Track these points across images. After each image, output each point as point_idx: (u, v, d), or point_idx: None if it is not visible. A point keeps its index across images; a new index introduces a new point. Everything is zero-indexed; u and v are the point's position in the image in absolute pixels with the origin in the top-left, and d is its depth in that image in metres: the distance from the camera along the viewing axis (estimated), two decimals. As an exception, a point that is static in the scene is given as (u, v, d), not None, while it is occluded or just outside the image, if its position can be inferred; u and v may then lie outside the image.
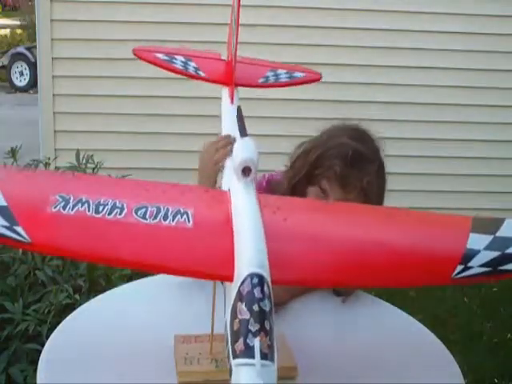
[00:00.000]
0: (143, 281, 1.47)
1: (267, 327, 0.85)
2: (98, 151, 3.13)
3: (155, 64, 1.58)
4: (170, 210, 1.04)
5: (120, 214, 1.01)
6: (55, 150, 4.02)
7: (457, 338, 3.14)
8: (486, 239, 1.14)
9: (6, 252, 2.52)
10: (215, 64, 1.59)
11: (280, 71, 1.67)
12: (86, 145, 3.41)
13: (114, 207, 1.02)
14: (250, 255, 0.93)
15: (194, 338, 1.23)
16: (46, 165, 3.10)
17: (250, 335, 0.84)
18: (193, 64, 1.57)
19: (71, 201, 1.02)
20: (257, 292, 0.89)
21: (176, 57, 1.58)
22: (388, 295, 1.77)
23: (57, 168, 3.12)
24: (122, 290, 1.51)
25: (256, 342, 0.83)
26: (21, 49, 10.44)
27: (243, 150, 1.09)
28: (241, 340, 0.84)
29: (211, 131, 1.52)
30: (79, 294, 2.24)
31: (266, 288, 0.89)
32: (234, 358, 0.84)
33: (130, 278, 2.25)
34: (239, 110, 1.23)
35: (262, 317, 0.86)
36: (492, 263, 1.10)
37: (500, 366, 3.02)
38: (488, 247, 1.14)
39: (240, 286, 0.90)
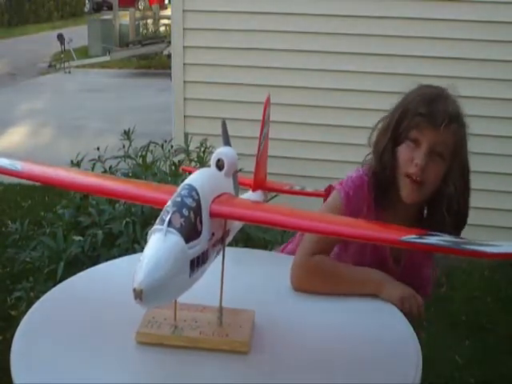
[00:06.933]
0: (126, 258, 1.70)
1: (185, 214, 1.08)
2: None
3: None
4: None
5: None
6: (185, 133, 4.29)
7: None
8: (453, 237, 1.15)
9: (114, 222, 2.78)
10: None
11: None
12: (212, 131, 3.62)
13: None
14: (191, 177, 1.20)
15: (171, 305, 1.27)
16: (162, 146, 3.34)
17: (165, 213, 1.08)
18: None
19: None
20: (183, 191, 1.13)
21: None
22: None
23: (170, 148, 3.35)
24: (105, 267, 1.66)
25: (167, 217, 1.07)
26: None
27: (220, 148, 1.30)
28: (160, 216, 1.09)
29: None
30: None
31: (193, 193, 1.13)
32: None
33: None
34: (224, 124, 1.36)
35: (180, 205, 1.09)
36: (453, 241, 1.11)
37: None
38: (451, 236, 1.15)
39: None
